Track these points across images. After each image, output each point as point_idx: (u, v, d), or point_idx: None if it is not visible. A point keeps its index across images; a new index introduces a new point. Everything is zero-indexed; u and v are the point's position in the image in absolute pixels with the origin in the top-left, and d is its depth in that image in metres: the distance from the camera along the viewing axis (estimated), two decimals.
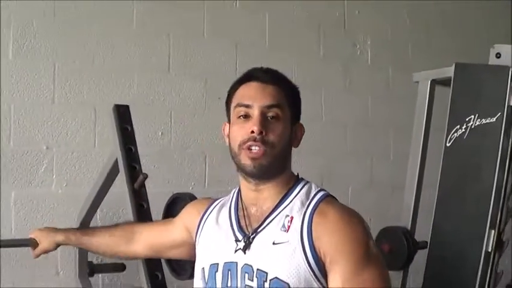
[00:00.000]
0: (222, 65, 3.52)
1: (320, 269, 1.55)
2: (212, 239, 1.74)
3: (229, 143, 1.69)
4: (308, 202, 1.64)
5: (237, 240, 1.66)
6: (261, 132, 1.60)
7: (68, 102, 3.11)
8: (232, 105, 1.70)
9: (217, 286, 1.67)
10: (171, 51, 3.39)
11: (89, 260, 2.86)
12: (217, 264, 1.67)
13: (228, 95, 1.74)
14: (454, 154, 2.78)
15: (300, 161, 3.59)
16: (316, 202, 1.63)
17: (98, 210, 2.91)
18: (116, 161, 2.49)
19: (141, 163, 3.14)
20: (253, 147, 1.61)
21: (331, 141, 3.89)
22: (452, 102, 2.78)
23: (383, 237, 3.15)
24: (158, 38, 3.37)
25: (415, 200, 3.09)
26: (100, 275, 3.07)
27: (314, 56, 3.86)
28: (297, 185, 1.70)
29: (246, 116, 1.64)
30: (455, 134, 2.76)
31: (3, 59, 2.97)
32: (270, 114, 1.63)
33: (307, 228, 1.57)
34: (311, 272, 1.54)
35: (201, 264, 1.73)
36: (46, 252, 2.27)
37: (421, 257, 2.99)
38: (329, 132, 3.88)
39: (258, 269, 1.58)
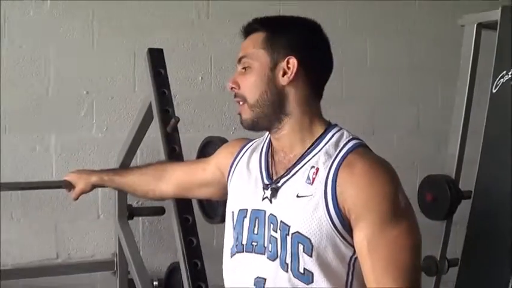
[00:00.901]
0: (264, 9, 3.43)
1: (344, 226, 1.47)
2: (242, 183, 1.70)
3: None
4: (336, 153, 1.53)
5: (264, 188, 1.61)
6: (231, 88, 1.61)
7: (107, 47, 3.11)
8: None
9: (243, 232, 1.63)
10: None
11: (129, 203, 2.90)
12: (246, 210, 1.64)
13: None
14: (500, 100, 2.69)
15: (344, 107, 3.60)
16: (345, 153, 1.52)
17: (138, 154, 2.93)
18: (150, 105, 2.49)
19: (182, 107, 3.18)
20: (238, 104, 1.62)
21: (376, 87, 3.79)
22: (498, 47, 2.68)
23: (426, 186, 3.09)
24: None
25: (460, 148, 3.01)
26: (140, 218, 3.11)
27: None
28: (328, 132, 1.59)
29: None
30: (502, 80, 2.67)
31: (42, 6, 2.98)
32: (241, 66, 1.60)
33: (332, 182, 1.48)
34: (333, 229, 1.47)
35: (231, 207, 1.70)
36: (83, 193, 2.26)
37: (466, 207, 2.94)
38: (374, 78, 3.78)
39: (281, 221, 1.53)
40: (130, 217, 2.91)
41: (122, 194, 2.82)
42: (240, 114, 1.61)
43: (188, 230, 2.19)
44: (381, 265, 1.43)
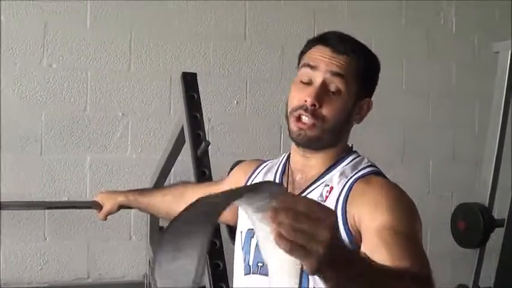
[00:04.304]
0: (299, 33, 3.46)
1: (351, 241, 1.43)
2: None
3: (287, 102, 1.61)
4: (353, 174, 1.53)
5: None
6: (313, 105, 1.51)
7: (144, 69, 3.17)
8: (300, 64, 1.61)
9: (250, 252, 1.60)
10: (247, 19, 3.38)
11: (161, 225, 2.93)
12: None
13: (301, 52, 1.64)
14: None
15: (379, 132, 3.59)
16: (362, 174, 1.52)
17: (171, 176, 2.96)
18: (183, 128, 2.52)
19: (216, 131, 3.21)
20: (302, 117, 1.53)
21: (412, 112, 3.77)
22: None
23: (459, 214, 3.07)
24: (234, 6, 3.36)
25: (494, 175, 2.98)
26: None
27: (395, 24, 3.74)
28: (347, 157, 1.60)
29: (308, 83, 1.54)
30: None
31: (81, 28, 3.05)
32: (332, 85, 1.53)
33: (344, 197, 1.47)
34: None
35: (240, 227, 1.68)
36: (110, 213, 2.30)
37: (499, 235, 2.90)
38: (410, 102, 3.76)
39: None
40: None
41: (154, 216, 2.85)
42: (303, 128, 1.53)
43: (215, 254, 2.17)
44: (397, 254, 1.34)
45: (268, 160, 1.78)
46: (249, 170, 1.78)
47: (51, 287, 2.92)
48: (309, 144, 1.56)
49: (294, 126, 1.55)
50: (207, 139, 2.42)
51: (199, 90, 2.50)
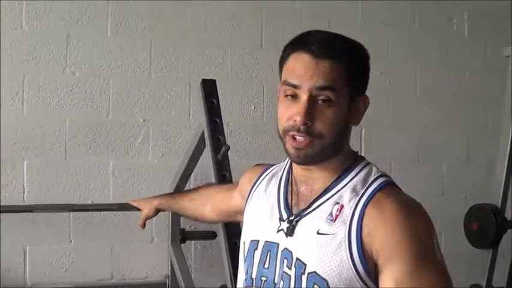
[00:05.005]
0: None
1: (367, 271, 1.36)
2: (257, 212, 1.58)
3: (277, 119, 1.47)
4: (363, 190, 1.42)
5: (281, 219, 1.49)
6: (305, 124, 1.39)
7: (164, 76, 3.25)
8: (282, 75, 1.47)
9: (254, 265, 1.52)
10: (263, 27, 3.46)
11: (182, 227, 3.02)
12: (258, 241, 1.53)
13: (281, 57, 1.50)
14: None
15: (393, 136, 3.66)
16: (373, 191, 1.41)
17: (192, 179, 3.04)
18: (203, 133, 2.60)
19: (234, 136, 3.29)
20: (297, 137, 1.41)
21: (426, 116, 3.83)
22: None
23: (472, 215, 3.13)
24: (251, 14, 3.44)
25: (506, 177, 3.04)
26: (192, 242, 3.22)
27: (409, 31, 3.80)
28: (355, 167, 1.47)
29: (294, 96, 1.41)
30: None
31: (103, 37, 3.15)
32: (320, 97, 1.39)
33: (358, 222, 1.37)
34: (354, 272, 1.36)
35: (243, 237, 1.61)
36: (148, 218, 2.39)
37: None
38: (424, 107, 3.82)
39: (297, 258, 1.42)
40: (183, 241, 3.02)
41: (175, 218, 2.94)
42: (299, 148, 1.42)
43: (236, 254, 2.22)
44: None
45: (273, 165, 1.68)
46: (254, 177, 1.68)
47: None
48: (311, 162, 1.46)
49: (290, 147, 1.44)
50: (226, 143, 2.51)
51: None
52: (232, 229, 2.29)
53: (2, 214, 2.86)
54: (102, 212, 3.08)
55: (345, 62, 1.42)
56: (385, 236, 1.35)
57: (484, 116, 3.96)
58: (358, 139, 3.48)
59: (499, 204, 3.03)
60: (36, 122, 3.04)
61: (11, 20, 3.01)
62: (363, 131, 3.53)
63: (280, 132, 1.46)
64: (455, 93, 3.90)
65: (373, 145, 3.48)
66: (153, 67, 3.23)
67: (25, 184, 3.01)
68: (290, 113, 1.41)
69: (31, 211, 2.78)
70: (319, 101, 1.40)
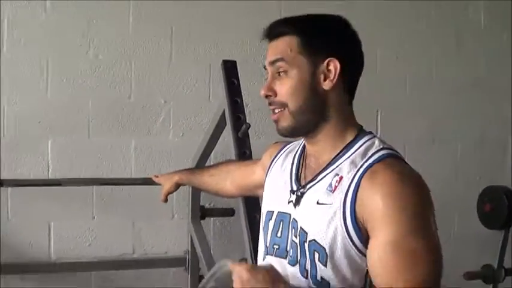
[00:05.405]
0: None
1: (360, 238, 1.40)
2: (274, 185, 1.67)
3: None
4: (363, 162, 1.45)
5: (291, 191, 1.57)
6: (266, 96, 1.53)
7: (184, 58, 3.32)
8: None
9: (268, 234, 1.62)
10: (282, 10, 3.50)
11: (201, 204, 3.11)
12: (272, 212, 1.61)
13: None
14: None
15: (408, 119, 3.71)
16: (371, 163, 1.44)
17: (212, 157, 3.11)
18: (224, 112, 2.67)
19: (253, 116, 3.35)
20: (272, 112, 1.54)
21: (441, 100, 3.86)
22: None
23: (485, 196, 3.19)
24: None
25: None
26: (212, 219, 3.30)
27: (425, 20, 3.81)
28: (359, 140, 1.51)
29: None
30: None
31: (125, 23, 3.23)
32: (278, 71, 1.51)
33: (353, 192, 1.41)
34: (349, 240, 1.41)
35: (263, 209, 1.70)
36: (169, 193, 2.47)
37: None
38: (439, 92, 3.85)
39: (301, 227, 1.49)
40: (203, 217, 3.10)
41: (195, 195, 3.02)
42: (276, 121, 1.53)
43: (255, 228, 2.25)
44: (392, 276, 1.34)
45: (292, 143, 1.73)
46: (274, 152, 1.77)
47: (99, 262, 3.11)
48: (291, 133, 1.55)
49: (273, 122, 1.57)
50: (246, 122, 2.58)
51: None
52: (252, 203, 2.34)
53: (27, 189, 2.96)
54: (123, 189, 3.18)
55: (293, 33, 1.52)
56: (376, 205, 1.37)
57: (499, 101, 3.98)
58: (375, 121, 3.56)
59: (511, 186, 3.09)
60: (60, 103, 3.14)
61: (35, 4, 3.10)
62: (379, 112, 3.60)
63: None
64: (470, 78, 3.91)
65: (389, 127, 3.53)
66: (174, 50, 3.31)
67: (49, 162, 3.11)
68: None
69: (59, 185, 2.89)
70: (278, 74, 1.52)
